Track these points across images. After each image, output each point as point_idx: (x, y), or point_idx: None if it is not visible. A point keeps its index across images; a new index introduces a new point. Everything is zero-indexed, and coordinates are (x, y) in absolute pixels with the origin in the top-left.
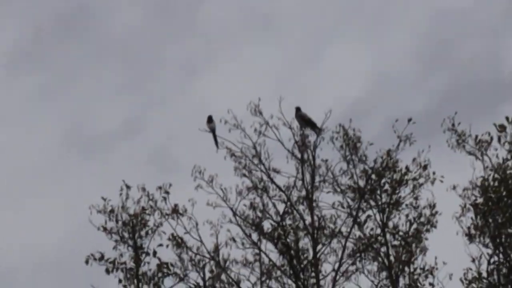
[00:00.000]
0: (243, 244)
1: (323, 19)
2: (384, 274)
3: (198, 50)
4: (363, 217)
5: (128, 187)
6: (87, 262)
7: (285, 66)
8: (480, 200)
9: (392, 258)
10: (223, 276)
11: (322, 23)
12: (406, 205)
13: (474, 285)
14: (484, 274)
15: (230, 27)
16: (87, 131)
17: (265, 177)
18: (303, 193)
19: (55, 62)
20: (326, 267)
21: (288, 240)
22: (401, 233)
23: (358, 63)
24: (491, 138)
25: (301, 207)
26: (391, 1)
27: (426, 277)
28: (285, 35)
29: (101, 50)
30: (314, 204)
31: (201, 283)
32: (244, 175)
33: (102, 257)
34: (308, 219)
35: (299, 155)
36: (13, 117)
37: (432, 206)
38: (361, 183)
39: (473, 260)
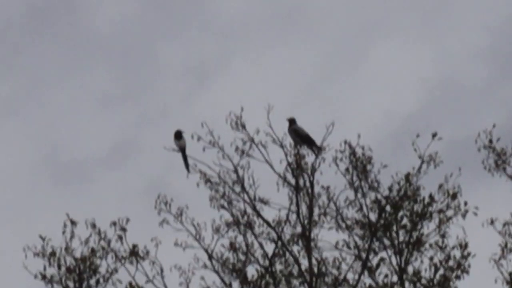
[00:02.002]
0: None
1: (367, 10)
2: None
3: (208, 50)
4: (375, 261)
5: (73, 222)
6: None
7: (317, 70)
8: None
9: None
10: None
11: (366, 16)
12: (430, 244)
13: None
14: None
15: (249, 21)
16: (63, 156)
17: (249, 210)
18: (298, 229)
19: (24, 66)
20: None
21: None
22: (423, 281)
23: (413, 66)
24: None
25: (295, 248)
26: None
27: None
28: (317, 32)
29: (83, 51)
30: (312, 244)
31: None
32: (223, 206)
33: None
34: (304, 263)
35: (293, 181)
36: None
37: (463, 246)
38: (373, 216)
39: None
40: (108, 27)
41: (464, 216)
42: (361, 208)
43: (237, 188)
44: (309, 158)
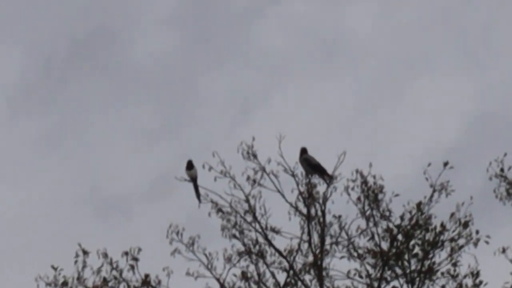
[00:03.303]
0: None
1: (409, 44)
2: None
3: (251, 84)
4: None
5: (85, 252)
6: None
7: (358, 103)
8: None
9: None
10: None
11: (408, 49)
12: (442, 273)
13: None
14: None
15: (291, 55)
16: (104, 190)
17: (261, 239)
18: (310, 258)
19: (67, 101)
20: None
21: None
22: None
23: (454, 100)
24: None
25: (307, 277)
26: (499, 18)
27: None
28: (358, 65)
29: (124, 84)
30: (324, 273)
31: None
32: (234, 236)
33: None
34: None
35: (304, 210)
36: (12, 170)
37: (475, 275)
38: (384, 245)
39: None
40: (150, 61)
41: (476, 244)
42: (372, 237)
43: (249, 218)
44: (321, 187)
